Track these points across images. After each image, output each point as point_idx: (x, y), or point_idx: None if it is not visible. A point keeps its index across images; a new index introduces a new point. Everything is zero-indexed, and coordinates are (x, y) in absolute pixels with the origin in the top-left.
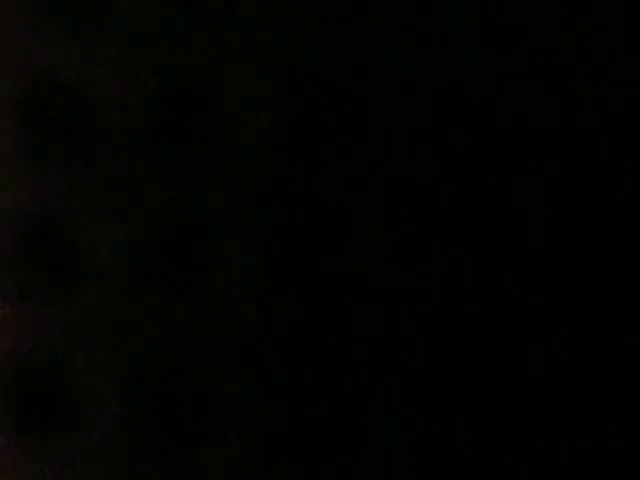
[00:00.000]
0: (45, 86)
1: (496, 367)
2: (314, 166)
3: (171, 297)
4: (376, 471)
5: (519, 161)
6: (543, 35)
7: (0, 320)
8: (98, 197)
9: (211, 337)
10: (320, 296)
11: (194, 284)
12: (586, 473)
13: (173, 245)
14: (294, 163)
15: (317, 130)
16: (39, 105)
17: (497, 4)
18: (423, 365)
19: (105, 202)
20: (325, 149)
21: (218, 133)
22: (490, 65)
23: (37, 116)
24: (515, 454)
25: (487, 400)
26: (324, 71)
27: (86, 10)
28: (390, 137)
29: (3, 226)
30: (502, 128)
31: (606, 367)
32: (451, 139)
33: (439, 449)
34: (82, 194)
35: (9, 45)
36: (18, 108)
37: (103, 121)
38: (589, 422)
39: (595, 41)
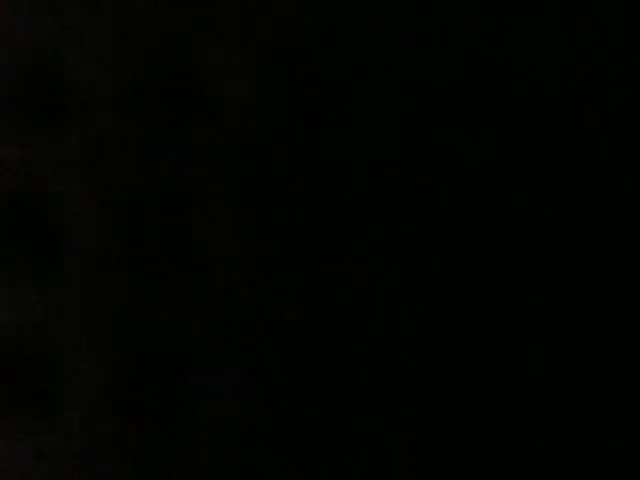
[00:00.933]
0: (24, 67)
1: (496, 367)
2: (302, 143)
3: (157, 282)
4: (375, 471)
5: (518, 161)
6: (543, 35)
7: None
8: (82, 181)
9: (199, 323)
10: (311, 289)
11: (180, 269)
12: (586, 473)
13: (158, 230)
14: (281, 139)
15: (305, 105)
16: (17, 85)
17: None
18: (422, 365)
19: (88, 186)
20: (313, 125)
21: (201, 110)
22: (489, 63)
23: (16, 95)
24: (515, 454)
25: (487, 400)
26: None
27: None
28: (379, 117)
29: None
30: (501, 127)
31: (606, 367)
32: (449, 136)
33: (439, 449)
34: (65, 178)
35: None
36: None
37: (84, 102)
38: (589, 422)
39: (595, 41)
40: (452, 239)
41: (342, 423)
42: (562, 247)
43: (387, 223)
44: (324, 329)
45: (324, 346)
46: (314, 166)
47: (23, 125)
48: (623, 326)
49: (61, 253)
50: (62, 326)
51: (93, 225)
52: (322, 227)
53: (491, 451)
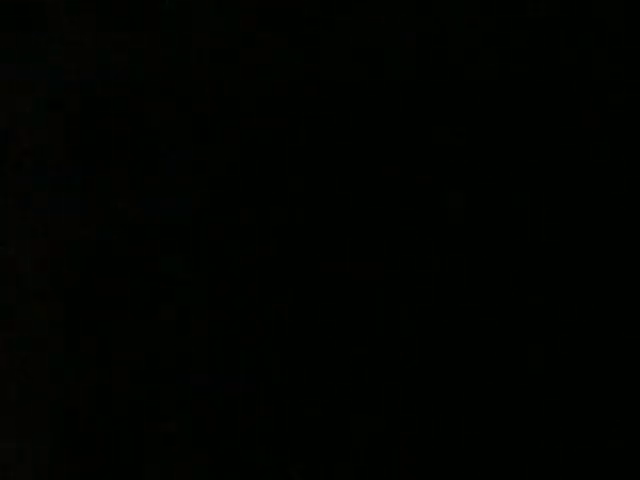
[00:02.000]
0: None
1: (494, 367)
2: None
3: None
4: (375, 470)
5: (517, 161)
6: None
7: None
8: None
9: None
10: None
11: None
12: (586, 473)
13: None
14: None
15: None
16: None
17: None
18: (421, 365)
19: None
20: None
21: None
22: (488, 64)
23: None
24: (514, 454)
25: (486, 400)
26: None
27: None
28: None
29: None
30: (500, 127)
31: (606, 367)
32: (449, 137)
33: (437, 449)
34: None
35: None
36: None
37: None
38: (589, 422)
39: (595, 41)
40: (452, 239)
41: (340, 422)
42: (561, 248)
43: (386, 224)
44: (318, 328)
45: (318, 345)
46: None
47: None
48: (623, 326)
49: None
50: None
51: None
52: (320, 229)
53: (491, 451)
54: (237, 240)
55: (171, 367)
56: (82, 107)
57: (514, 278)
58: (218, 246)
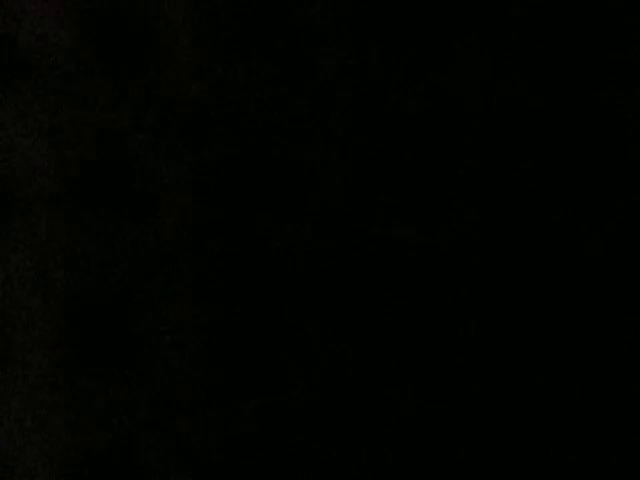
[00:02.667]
0: None
1: (494, 367)
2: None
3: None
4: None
5: (516, 161)
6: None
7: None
8: None
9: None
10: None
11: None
12: (585, 473)
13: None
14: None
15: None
16: None
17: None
18: (421, 365)
19: None
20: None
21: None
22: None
23: None
24: (514, 454)
25: (486, 400)
26: None
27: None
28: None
29: None
30: (500, 126)
31: (606, 367)
32: (448, 137)
33: (437, 449)
34: None
35: None
36: None
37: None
38: (587, 422)
39: (595, 42)
40: (450, 237)
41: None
42: (561, 247)
43: (387, 222)
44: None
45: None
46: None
47: None
48: (623, 326)
49: None
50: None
51: None
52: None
53: (489, 450)
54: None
55: None
56: None
57: (512, 278)
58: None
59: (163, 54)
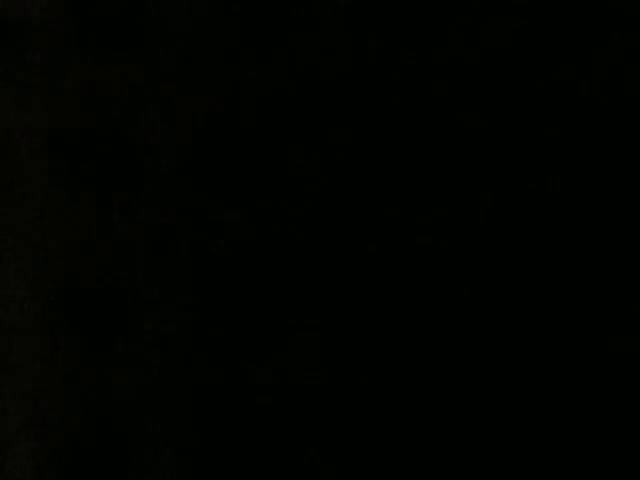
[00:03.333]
0: None
1: (492, 367)
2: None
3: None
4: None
5: (515, 161)
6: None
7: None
8: None
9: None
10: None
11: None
12: (586, 473)
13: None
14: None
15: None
16: None
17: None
18: (420, 365)
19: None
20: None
21: None
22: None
23: None
24: (514, 454)
25: (484, 400)
26: None
27: None
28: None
29: None
30: (499, 126)
31: (606, 367)
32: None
33: (435, 449)
34: None
35: None
36: None
37: None
38: (588, 422)
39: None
40: (452, 239)
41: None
42: (560, 248)
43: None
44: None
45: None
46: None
47: None
48: (623, 326)
49: None
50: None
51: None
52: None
53: (491, 450)
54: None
55: None
56: None
57: (511, 278)
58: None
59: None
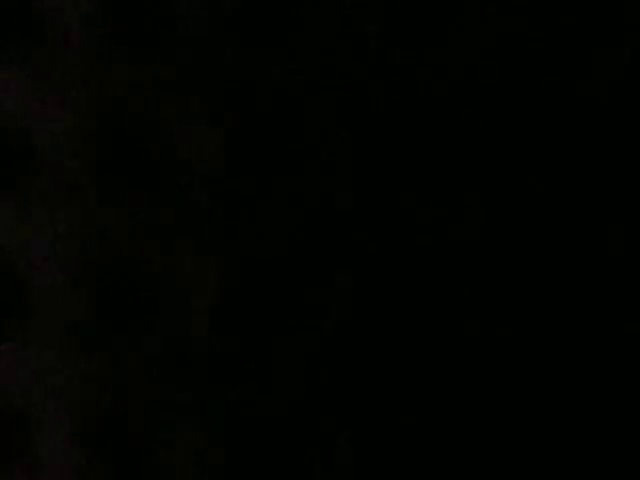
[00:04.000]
0: None
1: (492, 367)
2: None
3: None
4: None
5: (515, 161)
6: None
7: None
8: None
9: None
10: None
11: None
12: (586, 473)
13: None
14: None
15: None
16: None
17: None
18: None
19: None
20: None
21: None
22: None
23: None
24: (513, 454)
25: (483, 400)
26: None
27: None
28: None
29: None
30: (499, 126)
31: (606, 367)
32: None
33: (437, 448)
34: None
35: None
36: None
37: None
38: (587, 422)
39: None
40: (453, 240)
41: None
42: (560, 248)
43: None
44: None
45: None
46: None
47: None
48: (623, 326)
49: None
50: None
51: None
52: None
53: (491, 450)
54: None
55: None
56: None
57: (512, 279)
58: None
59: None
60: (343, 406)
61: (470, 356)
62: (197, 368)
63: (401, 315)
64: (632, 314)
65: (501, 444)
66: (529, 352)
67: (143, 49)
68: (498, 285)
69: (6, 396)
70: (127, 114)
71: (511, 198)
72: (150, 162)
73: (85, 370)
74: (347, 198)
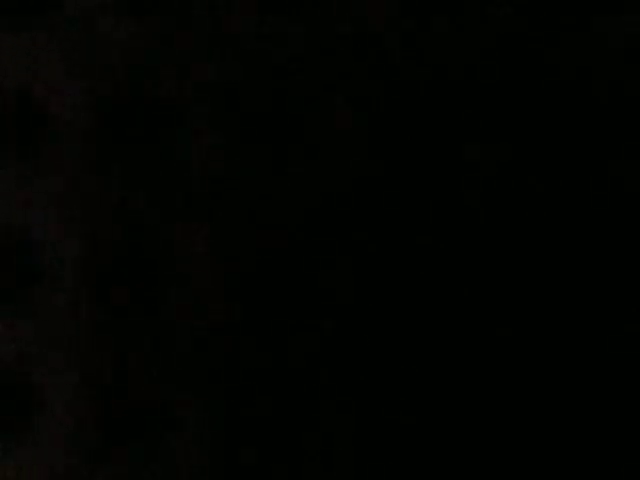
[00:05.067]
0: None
1: (490, 366)
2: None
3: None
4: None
5: (514, 161)
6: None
7: None
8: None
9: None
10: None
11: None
12: (586, 473)
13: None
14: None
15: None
16: None
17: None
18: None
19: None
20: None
21: None
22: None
23: None
24: (515, 453)
25: (482, 400)
26: None
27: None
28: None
29: None
30: (499, 126)
31: (605, 367)
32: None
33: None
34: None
35: None
36: None
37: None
38: (588, 421)
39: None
40: (447, 237)
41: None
42: (559, 248)
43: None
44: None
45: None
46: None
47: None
48: (623, 326)
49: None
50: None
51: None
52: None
53: (491, 450)
54: None
55: None
56: None
57: (512, 278)
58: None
59: None
60: (343, 394)
61: (476, 338)
62: (201, 348)
63: (403, 301)
64: (632, 314)
65: (502, 437)
66: (526, 354)
67: None
68: (498, 283)
69: (5, 362)
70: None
71: (511, 198)
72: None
73: (88, 337)
74: (349, 190)
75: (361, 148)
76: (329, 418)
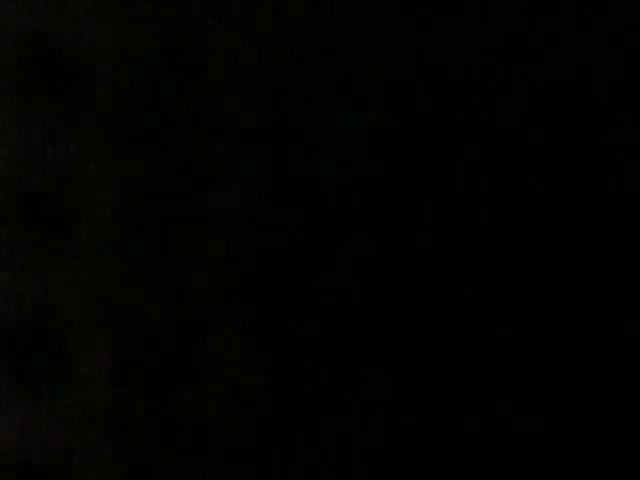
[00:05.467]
0: (33, 51)
1: (490, 365)
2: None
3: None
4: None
5: (514, 160)
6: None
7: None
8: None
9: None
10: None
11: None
12: (586, 473)
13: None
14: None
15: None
16: (26, 69)
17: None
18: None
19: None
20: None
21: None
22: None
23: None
24: (515, 453)
25: (482, 399)
26: None
27: None
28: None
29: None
30: (499, 126)
31: (605, 366)
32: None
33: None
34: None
35: None
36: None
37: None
38: (588, 421)
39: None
40: (446, 237)
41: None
42: (560, 248)
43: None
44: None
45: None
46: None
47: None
48: (623, 326)
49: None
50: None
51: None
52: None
53: (491, 450)
54: None
55: None
56: None
57: (512, 278)
58: None
59: None
60: (343, 394)
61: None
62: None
63: (403, 299)
64: (632, 314)
65: (502, 437)
66: (526, 354)
67: None
68: (497, 282)
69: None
70: None
71: (511, 198)
72: None
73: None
74: (349, 188)
75: (361, 148)
76: (329, 418)
